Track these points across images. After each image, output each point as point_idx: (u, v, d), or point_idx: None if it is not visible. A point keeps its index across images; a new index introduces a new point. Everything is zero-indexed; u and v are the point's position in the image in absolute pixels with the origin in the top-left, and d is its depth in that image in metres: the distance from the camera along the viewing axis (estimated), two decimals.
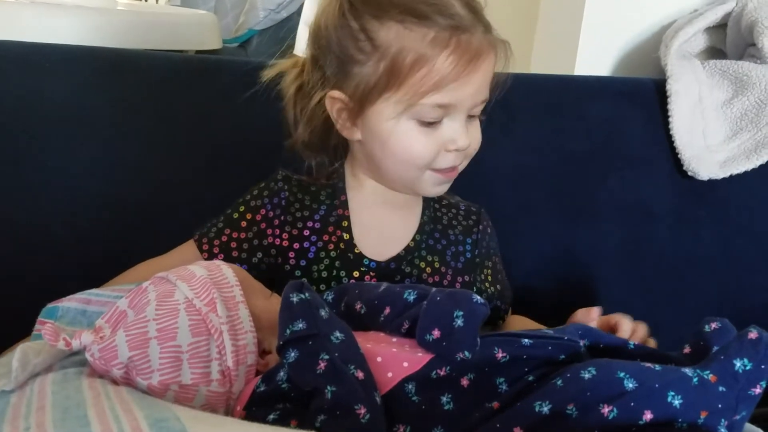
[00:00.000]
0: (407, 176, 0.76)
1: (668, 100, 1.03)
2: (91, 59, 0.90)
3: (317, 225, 0.78)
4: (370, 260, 0.77)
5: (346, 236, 0.77)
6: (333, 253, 0.76)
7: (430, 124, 0.72)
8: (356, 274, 0.76)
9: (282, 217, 0.78)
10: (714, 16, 1.11)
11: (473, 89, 0.71)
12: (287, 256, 0.76)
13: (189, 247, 0.79)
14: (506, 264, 0.96)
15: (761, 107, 1.04)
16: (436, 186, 0.78)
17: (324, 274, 0.76)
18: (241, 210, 0.79)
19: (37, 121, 0.86)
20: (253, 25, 2.10)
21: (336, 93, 0.74)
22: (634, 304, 1.02)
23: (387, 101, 0.71)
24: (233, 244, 0.77)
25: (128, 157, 0.89)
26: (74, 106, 0.88)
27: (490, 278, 0.84)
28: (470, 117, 0.75)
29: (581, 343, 0.60)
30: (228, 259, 0.75)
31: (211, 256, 0.76)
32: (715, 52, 1.19)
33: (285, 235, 0.77)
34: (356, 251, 0.77)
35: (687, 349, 0.60)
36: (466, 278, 0.81)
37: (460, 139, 0.73)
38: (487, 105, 0.77)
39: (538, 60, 1.29)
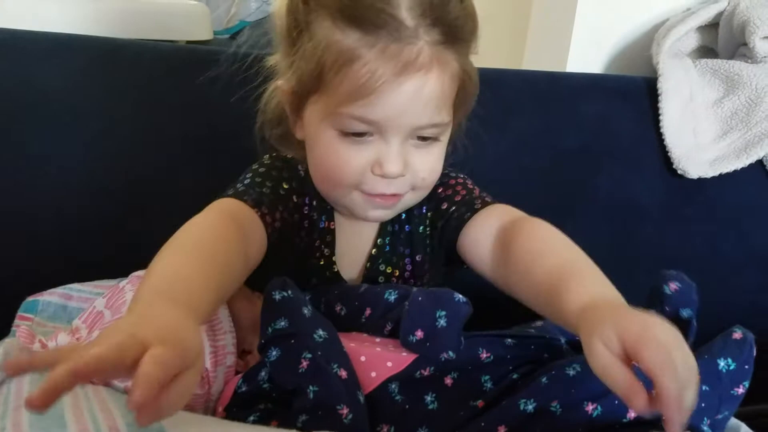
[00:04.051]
0: (334, 193, 0.68)
1: (659, 98, 1.03)
2: (80, 48, 0.89)
3: (310, 233, 0.73)
4: (344, 281, 0.73)
5: (327, 251, 0.73)
6: (313, 266, 0.72)
7: (355, 139, 0.63)
8: None
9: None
10: (706, 15, 1.10)
11: (399, 108, 0.60)
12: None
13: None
14: None
15: (752, 107, 1.04)
16: (371, 210, 0.68)
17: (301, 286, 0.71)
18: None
19: (24, 110, 0.85)
20: (244, 16, 2.08)
21: (281, 83, 0.68)
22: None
23: (315, 103, 0.64)
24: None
25: (116, 146, 0.88)
26: (62, 94, 0.87)
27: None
28: (421, 140, 0.64)
29: (562, 340, 0.60)
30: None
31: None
32: (706, 51, 1.19)
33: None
34: (334, 270, 0.73)
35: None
36: (427, 267, 0.74)
37: (388, 163, 0.62)
38: (455, 130, 0.69)
39: (531, 56, 1.28)
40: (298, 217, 0.72)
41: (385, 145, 0.63)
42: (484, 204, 0.70)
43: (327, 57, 0.60)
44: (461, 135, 0.78)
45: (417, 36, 0.58)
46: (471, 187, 0.75)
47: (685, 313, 0.57)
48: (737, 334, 0.55)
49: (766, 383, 0.91)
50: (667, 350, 0.41)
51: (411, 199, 0.69)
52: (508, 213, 0.68)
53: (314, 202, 0.73)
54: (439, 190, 0.74)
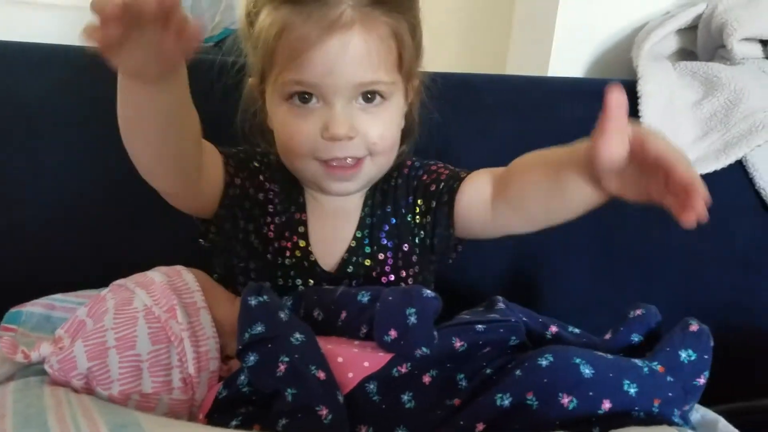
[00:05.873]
0: (297, 165, 0.72)
1: (639, 100, 1.04)
2: (65, 58, 0.89)
3: (278, 223, 0.75)
4: (322, 270, 0.74)
5: (302, 243, 0.75)
6: (288, 261, 0.74)
7: (302, 107, 0.68)
8: (311, 282, 0.74)
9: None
10: (685, 18, 1.12)
11: (327, 65, 0.64)
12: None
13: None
14: (479, 260, 0.97)
15: (730, 108, 1.05)
16: (332, 182, 0.72)
17: (280, 281, 0.74)
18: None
19: (9, 120, 0.86)
20: (229, 24, 2.08)
21: (251, 79, 0.74)
22: (604, 298, 1.03)
23: (269, 84, 0.70)
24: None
25: (102, 156, 0.88)
26: (48, 105, 0.87)
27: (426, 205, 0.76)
28: (366, 102, 0.68)
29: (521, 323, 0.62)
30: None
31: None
32: (686, 53, 1.20)
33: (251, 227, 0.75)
34: (311, 259, 0.74)
35: (608, 335, 0.62)
36: (415, 258, 0.76)
37: (333, 126, 0.66)
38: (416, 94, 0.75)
39: (513, 61, 1.30)
40: (263, 197, 0.76)
41: (329, 109, 0.67)
42: (469, 173, 0.76)
43: (268, 35, 0.66)
44: (420, 116, 0.80)
45: (341, 0, 0.64)
46: (453, 168, 0.79)
47: (636, 337, 0.61)
48: (694, 326, 0.57)
49: (745, 381, 0.93)
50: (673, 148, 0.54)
51: (372, 169, 0.72)
52: (494, 168, 0.74)
53: (279, 190, 0.76)
54: (424, 177, 0.78)
